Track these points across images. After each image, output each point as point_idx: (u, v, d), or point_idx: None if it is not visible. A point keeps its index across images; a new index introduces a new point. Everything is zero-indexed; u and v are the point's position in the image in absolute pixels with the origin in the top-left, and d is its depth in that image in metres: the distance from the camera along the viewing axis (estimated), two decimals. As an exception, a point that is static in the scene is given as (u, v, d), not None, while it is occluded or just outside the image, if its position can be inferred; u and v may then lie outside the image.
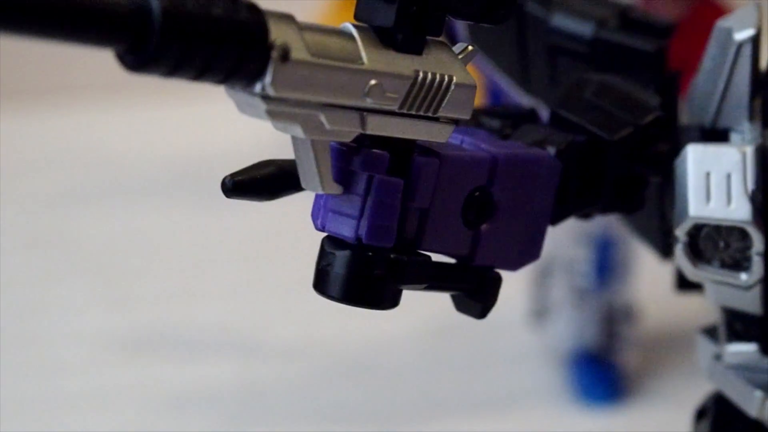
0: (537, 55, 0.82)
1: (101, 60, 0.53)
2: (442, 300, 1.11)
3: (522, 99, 0.86)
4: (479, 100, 0.86)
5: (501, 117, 0.75)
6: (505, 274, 1.31)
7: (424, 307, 1.39)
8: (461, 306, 0.69)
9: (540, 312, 1.32)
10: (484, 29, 0.83)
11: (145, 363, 1.42)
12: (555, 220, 0.72)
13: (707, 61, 0.73)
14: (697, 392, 0.84)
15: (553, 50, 0.81)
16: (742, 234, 0.70)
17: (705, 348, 0.78)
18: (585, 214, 0.75)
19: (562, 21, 0.79)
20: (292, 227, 1.17)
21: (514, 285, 1.32)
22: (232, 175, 0.66)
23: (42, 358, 1.42)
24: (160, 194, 1.88)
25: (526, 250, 0.70)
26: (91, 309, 1.54)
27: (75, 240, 1.75)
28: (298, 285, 0.82)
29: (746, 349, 0.75)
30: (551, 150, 0.70)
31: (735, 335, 0.76)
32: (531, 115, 0.76)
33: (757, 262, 0.70)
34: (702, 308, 0.82)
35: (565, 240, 1.29)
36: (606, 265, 1.29)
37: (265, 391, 1.36)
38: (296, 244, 0.98)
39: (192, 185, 1.87)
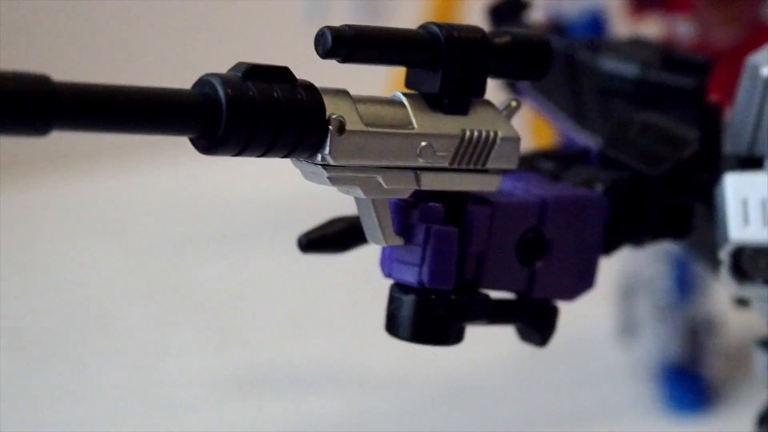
0: (589, 96, 0.83)
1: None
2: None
3: (580, 137, 0.87)
4: (551, 140, 0.90)
5: (555, 159, 0.76)
6: (591, 295, 1.34)
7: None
8: (524, 335, 0.70)
9: (627, 329, 1.32)
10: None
11: (255, 400, 1.43)
12: (608, 250, 0.73)
13: (741, 94, 0.74)
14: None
15: (603, 92, 0.82)
16: None
17: (761, 358, 0.79)
18: (638, 242, 0.76)
19: (609, 64, 0.81)
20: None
21: (602, 305, 1.35)
22: (306, 233, 0.71)
23: (158, 399, 1.43)
24: (261, 238, 1.90)
25: (581, 281, 0.71)
26: (202, 351, 1.56)
27: (184, 286, 1.77)
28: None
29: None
30: (599, 188, 0.72)
31: None
32: (582, 156, 0.77)
33: (796, 279, 0.69)
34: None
35: (646, 259, 1.29)
36: (685, 280, 1.29)
37: (371, 421, 1.36)
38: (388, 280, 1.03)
39: (290, 227, 1.86)
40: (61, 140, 0.56)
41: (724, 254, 0.73)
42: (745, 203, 0.72)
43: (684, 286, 1.29)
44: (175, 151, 2.16)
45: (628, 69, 0.81)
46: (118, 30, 2.35)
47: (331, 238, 0.73)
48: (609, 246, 0.74)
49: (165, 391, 1.42)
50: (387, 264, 0.65)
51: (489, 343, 1.37)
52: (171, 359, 1.53)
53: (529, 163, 0.76)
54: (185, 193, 2.11)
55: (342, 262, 1.68)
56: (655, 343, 1.30)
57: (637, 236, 0.76)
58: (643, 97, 0.81)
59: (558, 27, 0.86)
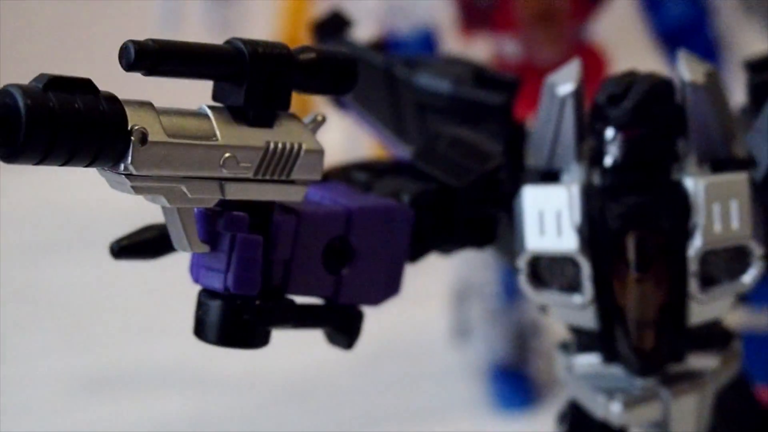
0: (407, 111, 0.85)
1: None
2: (375, 326, 1.16)
3: (399, 150, 0.89)
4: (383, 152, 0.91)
5: (368, 170, 0.77)
6: (428, 299, 1.37)
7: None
8: (332, 339, 0.71)
9: (460, 331, 1.34)
10: (363, 88, 0.89)
11: (105, 401, 1.43)
12: (414, 257, 0.75)
13: (541, 111, 0.77)
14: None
15: (419, 106, 0.84)
16: (573, 262, 0.74)
17: (560, 360, 0.82)
18: (444, 250, 0.78)
19: (424, 80, 0.82)
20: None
21: (437, 309, 1.38)
22: (118, 240, 0.71)
23: (10, 401, 1.42)
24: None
25: (387, 287, 0.72)
26: (53, 353, 1.55)
27: (31, 290, 1.77)
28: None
29: (591, 359, 0.79)
30: (406, 198, 0.73)
31: (582, 348, 0.80)
32: (395, 167, 0.79)
33: (587, 286, 0.74)
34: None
35: (478, 266, 1.31)
36: (512, 285, 1.29)
37: (217, 421, 1.38)
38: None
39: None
40: None
41: (521, 262, 0.76)
42: (541, 215, 0.75)
43: (511, 291, 1.30)
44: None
45: (441, 85, 0.83)
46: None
47: (143, 245, 0.73)
48: (415, 253, 0.75)
49: (15, 392, 1.41)
50: (195, 270, 0.66)
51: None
52: (18, 361, 1.51)
53: (344, 173, 0.77)
54: (35, 199, 2.10)
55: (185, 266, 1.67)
56: (485, 344, 1.32)
57: (443, 244, 0.78)
58: (455, 112, 0.82)
59: (383, 44, 0.88)
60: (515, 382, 1.34)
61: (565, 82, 0.76)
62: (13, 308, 1.72)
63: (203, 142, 0.60)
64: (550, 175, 0.77)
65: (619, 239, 0.73)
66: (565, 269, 0.75)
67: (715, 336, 0.80)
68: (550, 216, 0.75)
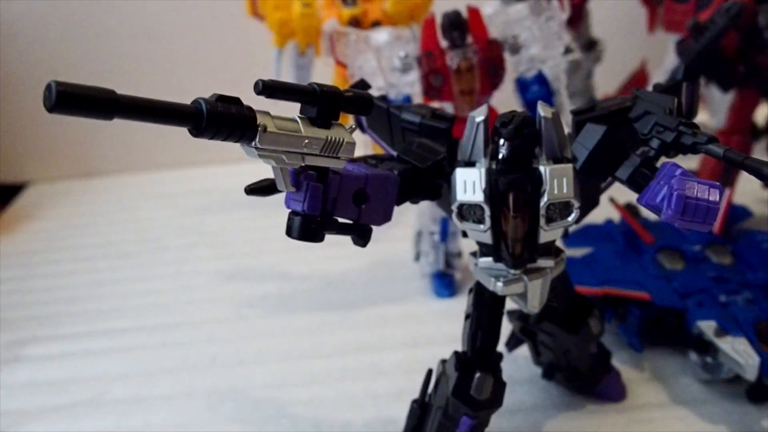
0: (396, 132, 0.85)
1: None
2: (377, 249, 1.09)
3: (392, 151, 0.88)
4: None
5: (376, 158, 0.79)
6: (403, 238, 1.32)
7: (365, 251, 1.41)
8: (355, 241, 0.71)
9: (418, 255, 1.33)
10: (373, 120, 0.89)
11: None
12: (399, 203, 0.75)
13: (466, 131, 0.77)
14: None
15: (403, 129, 0.84)
16: (480, 207, 0.75)
17: (471, 261, 0.83)
18: (413, 201, 0.79)
19: (406, 116, 0.83)
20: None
21: (407, 243, 1.37)
22: (248, 186, 0.73)
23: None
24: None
25: (384, 217, 0.72)
26: None
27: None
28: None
29: (488, 260, 0.80)
30: (395, 172, 0.74)
31: (483, 254, 0.80)
32: (390, 158, 0.80)
33: (487, 220, 0.75)
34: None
35: (427, 220, 1.28)
36: (446, 228, 1.28)
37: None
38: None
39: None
40: None
41: (454, 207, 0.77)
42: (464, 182, 0.76)
43: (445, 232, 1.29)
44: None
45: (415, 119, 0.83)
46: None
47: (263, 187, 0.74)
48: (400, 201, 0.76)
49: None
50: (287, 201, 0.67)
51: (360, 256, 1.37)
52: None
53: (365, 159, 0.78)
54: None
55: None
56: (430, 260, 1.29)
57: (414, 197, 0.78)
58: (422, 132, 0.82)
59: (383, 97, 0.87)
60: (445, 280, 1.31)
61: (479, 115, 0.76)
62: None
63: (294, 134, 0.62)
64: (470, 164, 0.77)
65: (504, 196, 0.74)
66: (476, 211, 0.76)
67: (552, 250, 0.80)
68: (469, 183, 0.76)
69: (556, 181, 0.73)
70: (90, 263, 1.55)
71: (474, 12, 1.15)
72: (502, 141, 0.74)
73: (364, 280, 1.38)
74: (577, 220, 0.78)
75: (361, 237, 0.71)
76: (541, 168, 0.74)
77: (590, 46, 1.59)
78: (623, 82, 1.77)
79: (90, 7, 1.94)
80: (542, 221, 0.74)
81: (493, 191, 0.74)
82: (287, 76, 1.63)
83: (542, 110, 0.75)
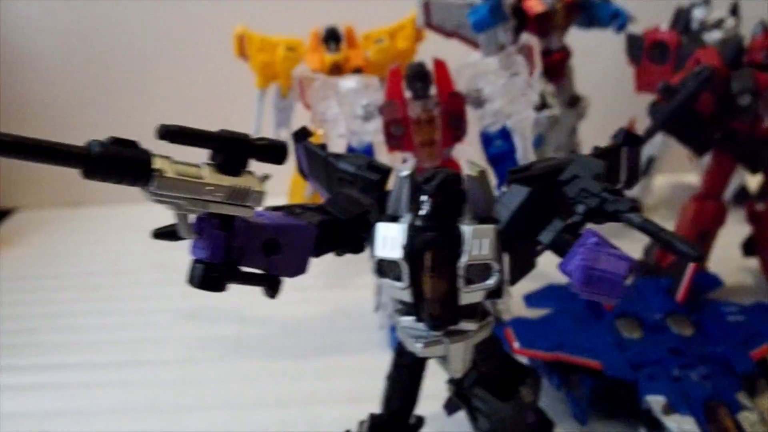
0: (334, 180, 0.82)
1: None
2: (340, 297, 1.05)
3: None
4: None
5: (303, 208, 0.75)
6: (365, 287, 1.28)
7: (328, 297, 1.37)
8: (265, 291, 0.69)
9: (378, 305, 1.29)
10: (314, 168, 0.87)
11: None
12: (319, 254, 0.73)
13: (395, 185, 0.75)
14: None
15: (339, 178, 0.81)
16: (398, 264, 0.72)
17: (394, 320, 0.79)
18: (338, 253, 0.76)
19: (342, 165, 0.81)
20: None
21: (369, 292, 1.33)
22: (158, 229, 0.73)
23: None
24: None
25: (297, 269, 0.70)
26: None
27: None
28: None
29: (409, 319, 0.76)
30: (314, 222, 0.72)
31: (404, 313, 0.77)
32: (315, 207, 0.76)
33: (405, 278, 0.72)
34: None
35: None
36: None
37: None
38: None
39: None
40: None
41: (372, 262, 0.74)
42: (384, 238, 0.73)
43: None
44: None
45: (350, 168, 0.81)
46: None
47: (167, 233, 0.73)
48: (319, 252, 0.73)
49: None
50: (191, 248, 0.65)
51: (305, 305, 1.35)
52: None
53: (289, 208, 0.75)
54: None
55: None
56: (388, 312, 1.26)
57: (334, 249, 0.76)
58: (356, 182, 0.80)
59: (323, 146, 0.85)
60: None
61: (405, 170, 0.74)
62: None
63: (195, 180, 0.60)
64: (395, 218, 0.74)
65: (422, 254, 0.71)
66: (394, 268, 0.72)
67: (477, 312, 0.76)
68: (389, 239, 0.73)
69: (477, 241, 0.70)
70: (57, 294, 1.53)
71: (439, 64, 1.13)
72: (425, 197, 0.71)
73: (322, 328, 1.34)
74: (513, 282, 0.75)
75: (271, 288, 0.69)
76: (463, 227, 0.71)
77: (573, 102, 1.57)
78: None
79: (77, 42, 1.96)
80: (461, 282, 0.71)
81: (412, 248, 0.71)
82: (269, 118, 1.63)
83: (469, 168, 0.72)
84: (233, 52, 1.62)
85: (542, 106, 1.45)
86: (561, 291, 1.21)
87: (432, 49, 1.33)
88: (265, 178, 0.66)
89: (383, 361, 1.19)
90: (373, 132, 1.14)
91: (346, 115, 1.14)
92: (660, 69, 1.33)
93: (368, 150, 1.17)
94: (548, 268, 0.79)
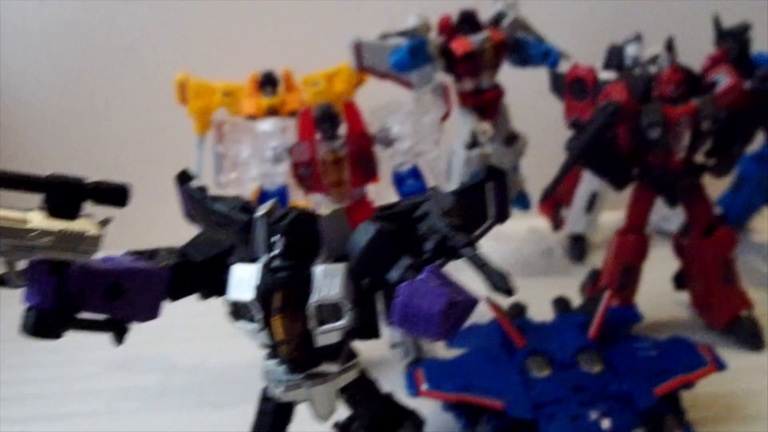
0: (212, 221, 0.82)
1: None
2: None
3: None
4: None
5: (155, 252, 0.75)
6: None
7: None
8: (111, 338, 0.69)
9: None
10: (195, 210, 0.87)
11: None
12: (174, 298, 0.73)
13: (253, 225, 0.75)
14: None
15: (216, 221, 0.81)
16: (249, 306, 0.71)
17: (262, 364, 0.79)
18: (201, 296, 0.76)
19: (217, 206, 0.81)
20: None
21: None
22: None
23: None
24: None
25: (149, 314, 0.70)
26: None
27: None
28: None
29: (272, 362, 0.76)
30: (169, 265, 0.72)
31: (268, 356, 0.76)
32: (174, 250, 0.76)
33: (258, 319, 0.72)
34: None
35: None
36: None
37: None
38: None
39: None
40: None
41: (227, 305, 0.73)
42: (238, 279, 0.73)
43: None
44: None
45: (223, 209, 0.80)
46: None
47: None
48: (175, 296, 0.73)
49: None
50: (23, 295, 0.64)
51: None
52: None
53: (153, 252, 0.74)
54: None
55: None
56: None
57: (193, 292, 0.76)
58: (227, 224, 0.79)
59: (202, 188, 0.85)
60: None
61: (261, 210, 0.74)
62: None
63: (17, 225, 0.59)
64: (254, 259, 0.74)
65: (271, 295, 0.70)
66: (248, 309, 0.71)
67: (340, 354, 0.76)
68: (243, 280, 0.73)
69: (327, 281, 0.70)
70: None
71: (349, 105, 1.14)
72: (277, 237, 0.71)
73: (248, 377, 1.28)
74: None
75: (117, 334, 0.69)
76: (315, 267, 0.71)
77: (510, 140, 1.57)
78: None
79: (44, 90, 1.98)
80: (312, 323, 0.71)
81: (262, 289, 0.71)
82: (209, 163, 1.64)
83: (323, 208, 0.72)
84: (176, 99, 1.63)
85: (473, 144, 1.46)
86: (482, 330, 1.19)
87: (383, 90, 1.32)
88: (106, 222, 0.66)
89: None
90: (284, 174, 1.15)
91: (258, 158, 1.15)
92: (581, 104, 1.34)
93: (282, 192, 1.17)
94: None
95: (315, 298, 0.70)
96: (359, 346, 1.26)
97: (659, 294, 1.40)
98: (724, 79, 1.20)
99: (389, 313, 0.63)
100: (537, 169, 1.66)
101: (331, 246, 0.72)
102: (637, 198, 1.27)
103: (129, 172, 0.86)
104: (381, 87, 1.53)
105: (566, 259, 1.70)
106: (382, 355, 1.28)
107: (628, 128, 1.18)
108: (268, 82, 1.55)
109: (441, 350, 1.21)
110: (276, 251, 0.71)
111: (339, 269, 0.70)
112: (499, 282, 0.61)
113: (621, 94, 1.16)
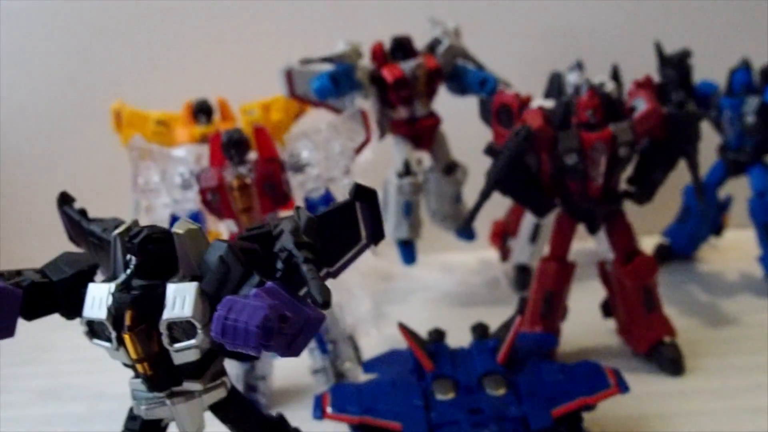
0: (90, 243, 0.83)
1: None
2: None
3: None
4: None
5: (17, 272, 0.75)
6: None
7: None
8: None
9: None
10: (75, 232, 0.87)
11: None
12: (29, 317, 0.74)
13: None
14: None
15: (92, 243, 0.82)
16: (104, 325, 0.72)
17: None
18: (62, 315, 0.77)
19: (92, 227, 0.82)
20: None
21: None
22: None
23: None
24: None
25: (4, 333, 0.71)
26: None
27: None
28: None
29: (137, 381, 0.77)
30: (24, 284, 0.73)
31: (135, 375, 0.77)
32: (33, 270, 0.76)
33: (113, 338, 0.72)
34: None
35: None
36: None
37: None
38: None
39: None
40: None
41: (82, 324, 0.74)
42: (93, 298, 0.74)
43: None
44: None
45: (97, 230, 0.82)
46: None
47: None
48: (32, 316, 0.74)
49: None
50: None
51: None
52: None
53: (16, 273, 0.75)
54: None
55: None
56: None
57: (52, 312, 0.76)
58: (104, 245, 0.80)
59: (83, 211, 0.86)
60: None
61: (118, 229, 0.75)
62: None
63: None
64: (114, 278, 0.74)
65: (123, 313, 0.71)
66: (104, 328, 0.72)
67: (205, 373, 0.76)
68: (97, 299, 0.74)
69: (179, 299, 0.70)
70: None
71: (259, 130, 1.16)
72: (130, 256, 0.72)
73: None
74: None
75: None
76: (168, 285, 0.71)
77: (450, 170, 1.58)
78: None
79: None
80: (165, 341, 0.71)
81: (114, 308, 0.72)
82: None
83: (177, 226, 0.73)
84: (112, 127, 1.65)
85: (406, 172, 1.47)
86: (398, 356, 1.20)
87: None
88: None
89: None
90: (194, 200, 1.16)
91: (168, 184, 1.16)
92: (509, 131, 1.34)
93: (194, 218, 1.18)
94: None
95: (165, 316, 0.70)
96: (281, 372, 1.30)
97: (590, 321, 1.41)
98: (642, 105, 1.21)
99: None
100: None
101: (187, 264, 0.72)
102: (559, 225, 1.28)
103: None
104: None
105: (511, 289, 1.70)
106: (307, 382, 1.30)
107: (549, 155, 1.20)
108: (201, 111, 1.57)
109: (363, 376, 1.22)
110: (129, 270, 0.72)
111: (191, 288, 0.70)
112: (318, 296, 0.62)
113: (536, 120, 1.18)
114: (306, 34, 1.81)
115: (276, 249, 0.70)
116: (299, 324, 0.62)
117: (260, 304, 0.61)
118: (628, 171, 1.27)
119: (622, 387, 1.04)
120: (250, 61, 1.81)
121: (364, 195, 0.78)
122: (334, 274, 0.78)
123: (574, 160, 1.17)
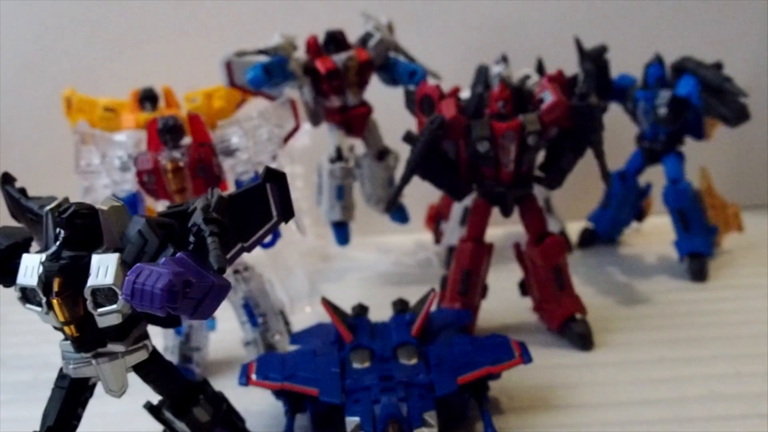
0: (29, 219, 0.90)
1: None
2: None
3: None
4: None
5: None
6: None
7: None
8: None
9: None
10: (16, 210, 0.94)
11: None
12: None
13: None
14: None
15: (30, 219, 0.89)
16: (35, 291, 0.81)
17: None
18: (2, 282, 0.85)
19: (29, 204, 0.89)
20: None
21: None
22: None
23: None
24: None
25: None
26: None
27: None
28: None
29: (66, 342, 0.84)
30: None
31: (65, 339, 0.84)
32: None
33: (43, 303, 0.80)
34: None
35: None
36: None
37: None
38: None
39: None
40: None
41: (16, 290, 0.82)
42: (26, 267, 0.82)
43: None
44: None
45: (34, 207, 0.89)
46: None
47: None
48: None
49: None
50: None
51: None
52: None
53: None
54: None
55: None
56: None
57: None
58: (40, 221, 0.86)
59: (23, 189, 0.94)
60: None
61: (49, 205, 0.82)
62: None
63: None
64: (46, 248, 0.82)
65: (52, 280, 0.79)
66: (35, 294, 0.79)
67: (129, 335, 0.84)
68: (29, 268, 0.81)
69: (103, 269, 0.79)
70: None
71: (193, 117, 1.24)
72: (59, 229, 0.81)
73: None
74: None
75: None
76: (93, 256, 0.80)
77: (382, 155, 1.67)
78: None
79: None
80: (90, 305, 0.80)
81: (44, 275, 0.80)
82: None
83: (102, 203, 0.82)
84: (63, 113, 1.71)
85: (338, 158, 1.57)
86: (323, 328, 1.30)
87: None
88: None
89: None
90: (131, 182, 1.24)
91: (108, 167, 1.24)
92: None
93: (132, 198, 1.26)
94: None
95: (90, 283, 0.79)
96: (216, 344, 1.38)
97: (509, 299, 1.51)
98: (549, 97, 1.31)
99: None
100: (416, 183, 1.78)
101: (111, 238, 0.81)
102: (476, 209, 1.38)
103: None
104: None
105: (443, 269, 1.80)
106: (240, 354, 1.38)
107: (463, 142, 1.30)
108: (147, 98, 1.65)
109: (291, 348, 1.31)
110: (59, 242, 0.81)
111: (113, 258, 0.79)
112: (215, 262, 0.71)
113: (449, 110, 1.28)
114: (248, 27, 1.89)
115: (189, 224, 0.79)
116: (203, 289, 0.71)
117: (166, 270, 0.70)
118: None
119: (526, 358, 1.14)
120: (197, 53, 1.88)
121: (274, 177, 0.85)
122: (249, 249, 0.85)
123: (486, 148, 1.27)
